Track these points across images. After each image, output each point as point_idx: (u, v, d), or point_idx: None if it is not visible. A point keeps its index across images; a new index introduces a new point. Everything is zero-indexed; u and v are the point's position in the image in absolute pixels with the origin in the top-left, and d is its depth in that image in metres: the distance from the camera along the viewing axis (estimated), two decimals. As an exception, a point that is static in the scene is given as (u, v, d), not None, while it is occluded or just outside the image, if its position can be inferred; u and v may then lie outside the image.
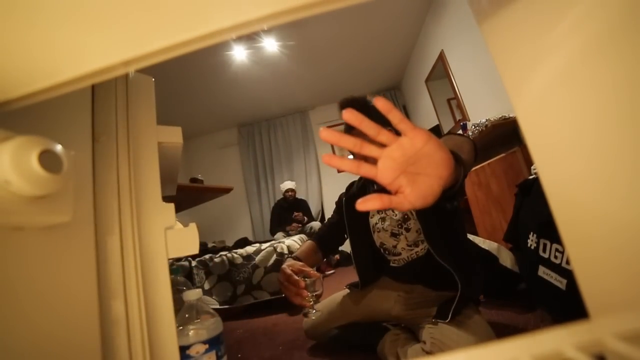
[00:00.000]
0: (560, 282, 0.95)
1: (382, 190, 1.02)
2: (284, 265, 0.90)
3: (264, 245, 2.15)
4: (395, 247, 1.01)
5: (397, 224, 1.00)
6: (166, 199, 0.48)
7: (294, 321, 1.62)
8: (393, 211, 0.99)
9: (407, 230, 0.98)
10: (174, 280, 0.74)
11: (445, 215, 0.93)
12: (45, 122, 0.36)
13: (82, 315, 0.35)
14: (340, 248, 3.33)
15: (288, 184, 3.78)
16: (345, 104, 0.95)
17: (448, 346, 0.75)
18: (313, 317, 0.95)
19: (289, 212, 3.64)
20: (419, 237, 0.97)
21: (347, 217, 1.10)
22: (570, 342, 0.18)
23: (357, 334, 1.07)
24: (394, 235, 1.01)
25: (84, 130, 0.41)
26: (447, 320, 0.80)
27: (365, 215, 1.07)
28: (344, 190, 1.23)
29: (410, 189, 0.38)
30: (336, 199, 1.22)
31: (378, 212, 1.04)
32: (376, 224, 1.05)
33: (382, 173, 0.39)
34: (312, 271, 0.89)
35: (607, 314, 0.27)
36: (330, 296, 1.18)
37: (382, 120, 1.02)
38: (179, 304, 0.53)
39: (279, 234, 3.39)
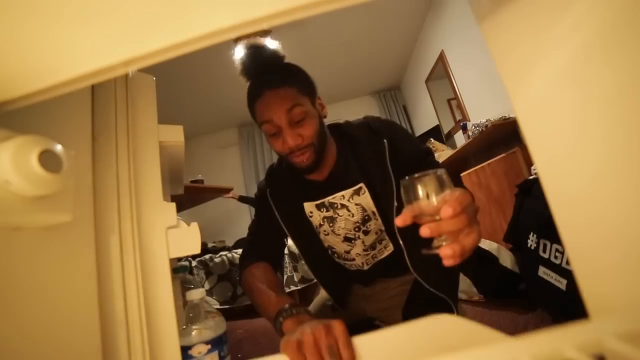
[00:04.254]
0: (560, 283, 0.95)
1: (320, 189, 0.77)
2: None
3: (264, 245, 2.14)
4: (348, 252, 0.81)
5: (353, 227, 0.77)
6: (173, 198, 0.47)
7: (294, 321, 1.61)
8: (348, 210, 0.76)
9: (366, 233, 0.77)
10: (181, 279, 0.74)
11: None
12: (44, 122, 0.36)
13: (83, 316, 0.35)
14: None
15: None
16: (252, 53, 0.69)
17: None
18: None
19: None
20: (377, 238, 0.78)
21: (281, 216, 0.80)
22: (570, 342, 0.18)
23: (351, 332, 1.03)
24: (347, 239, 0.79)
25: (84, 129, 0.41)
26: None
27: (302, 212, 0.81)
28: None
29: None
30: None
31: (318, 208, 0.78)
32: (320, 225, 0.80)
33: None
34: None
35: (607, 314, 0.27)
36: (320, 296, 1.04)
37: (306, 84, 0.71)
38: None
39: None
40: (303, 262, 2.08)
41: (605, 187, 0.25)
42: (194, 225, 0.48)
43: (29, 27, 0.23)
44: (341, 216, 0.77)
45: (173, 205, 0.48)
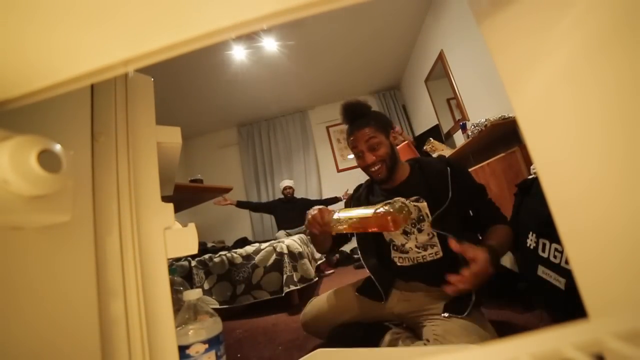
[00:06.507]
0: (559, 282, 0.95)
1: (389, 192, 1.07)
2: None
3: (264, 245, 2.15)
4: (404, 245, 1.02)
5: (410, 222, 1.00)
6: (164, 199, 0.48)
7: (294, 321, 1.62)
8: (409, 210, 0.99)
9: (420, 230, 0.99)
10: (170, 281, 0.75)
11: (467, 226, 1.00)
12: (44, 122, 0.36)
13: (82, 315, 0.35)
14: (340, 248, 3.43)
15: (286, 182, 3.83)
16: (348, 107, 1.05)
17: (451, 342, 0.75)
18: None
19: (288, 210, 3.69)
20: (429, 241, 0.98)
21: None
22: (569, 342, 0.18)
23: (357, 332, 1.07)
24: (405, 232, 1.01)
25: (83, 129, 0.41)
26: (462, 315, 0.83)
27: None
28: (350, 190, 1.26)
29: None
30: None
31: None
32: None
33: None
34: None
35: (606, 313, 0.27)
36: (332, 290, 1.17)
37: (382, 124, 1.02)
38: (176, 304, 0.53)
39: (281, 232, 3.44)
40: (302, 262, 2.09)
41: (605, 187, 0.25)
42: (191, 226, 0.48)
43: (29, 26, 0.23)
44: None
45: (171, 205, 0.48)
